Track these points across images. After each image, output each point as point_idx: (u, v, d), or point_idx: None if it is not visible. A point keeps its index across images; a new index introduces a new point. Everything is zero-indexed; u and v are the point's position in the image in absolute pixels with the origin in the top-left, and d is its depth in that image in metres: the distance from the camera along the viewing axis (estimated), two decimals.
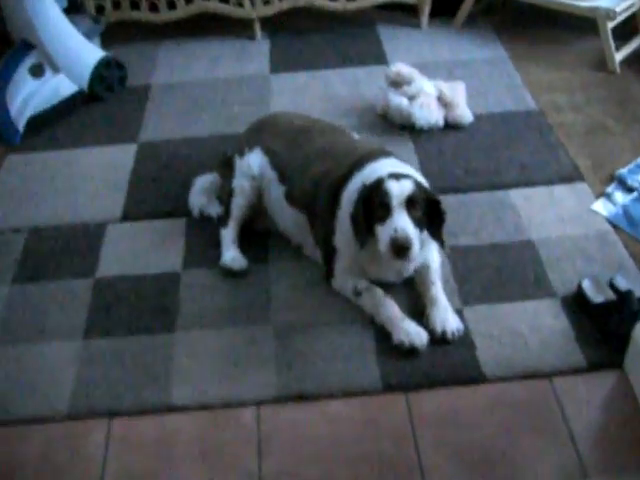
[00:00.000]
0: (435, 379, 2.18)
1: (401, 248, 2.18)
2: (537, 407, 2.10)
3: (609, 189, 2.80)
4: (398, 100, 3.23)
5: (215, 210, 2.82)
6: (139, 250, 2.74)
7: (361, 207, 2.27)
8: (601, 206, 2.73)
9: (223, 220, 2.71)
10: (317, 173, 2.52)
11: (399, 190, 2.22)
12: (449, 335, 2.27)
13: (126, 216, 2.89)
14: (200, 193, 2.88)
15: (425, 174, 2.99)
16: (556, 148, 3.08)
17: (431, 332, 2.28)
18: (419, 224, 2.25)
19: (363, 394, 2.17)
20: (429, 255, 2.45)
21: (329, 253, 2.47)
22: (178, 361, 2.30)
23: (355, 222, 2.30)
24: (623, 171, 2.87)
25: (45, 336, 2.40)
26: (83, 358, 2.33)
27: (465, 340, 2.28)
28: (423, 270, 2.43)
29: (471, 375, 2.18)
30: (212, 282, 2.58)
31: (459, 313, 2.36)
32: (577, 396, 2.12)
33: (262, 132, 2.74)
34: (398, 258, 2.21)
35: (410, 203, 2.22)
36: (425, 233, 2.31)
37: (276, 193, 2.63)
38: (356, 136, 2.71)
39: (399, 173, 2.31)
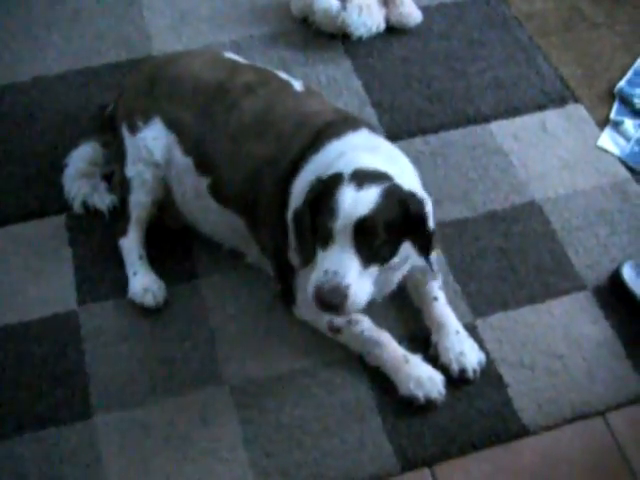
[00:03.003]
0: (465, 442, 1.64)
1: (325, 303, 1.50)
2: (596, 461, 1.64)
3: (613, 114, 2.21)
4: (326, 2, 2.39)
5: (104, 201, 2.02)
6: (6, 278, 1.93)
7: (308, 211, 1.56)
8: (609, 141, 2.14)
9: (120, 227, 1.93)
10: (255, 159, 1.75)
11: (351, 207, 1.48)
12: (470, 374, 1.70)
13: None
14: (79, 176, 2.05)
15: (375, 106, 2.30)
16: (533, 53, 2.41)
17: (443, 367, 1.72)
18: (378, 255, 1.53)
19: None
20: None
21: (285, 271, 1.78)
22: (106, 468, 1.62)
23: (299, 228, 1.59)
24: (623, 85, 2.27)
25: None
26: None
27: (490, 374, 1.73)
28: (418, 277, 1.81)
29: (509, 429, 1.66)
30: (125, 322, 1.85)
31: (473, 330, 1.79)
32: None
33: (158, 91, 1.89)
34: (324, 311, 1.55)
35: (364, 229, 1.48)
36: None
37: (194, 188, 1.85)
38: (298, 86, 1.90)
39: (369, 171, 1.55)
